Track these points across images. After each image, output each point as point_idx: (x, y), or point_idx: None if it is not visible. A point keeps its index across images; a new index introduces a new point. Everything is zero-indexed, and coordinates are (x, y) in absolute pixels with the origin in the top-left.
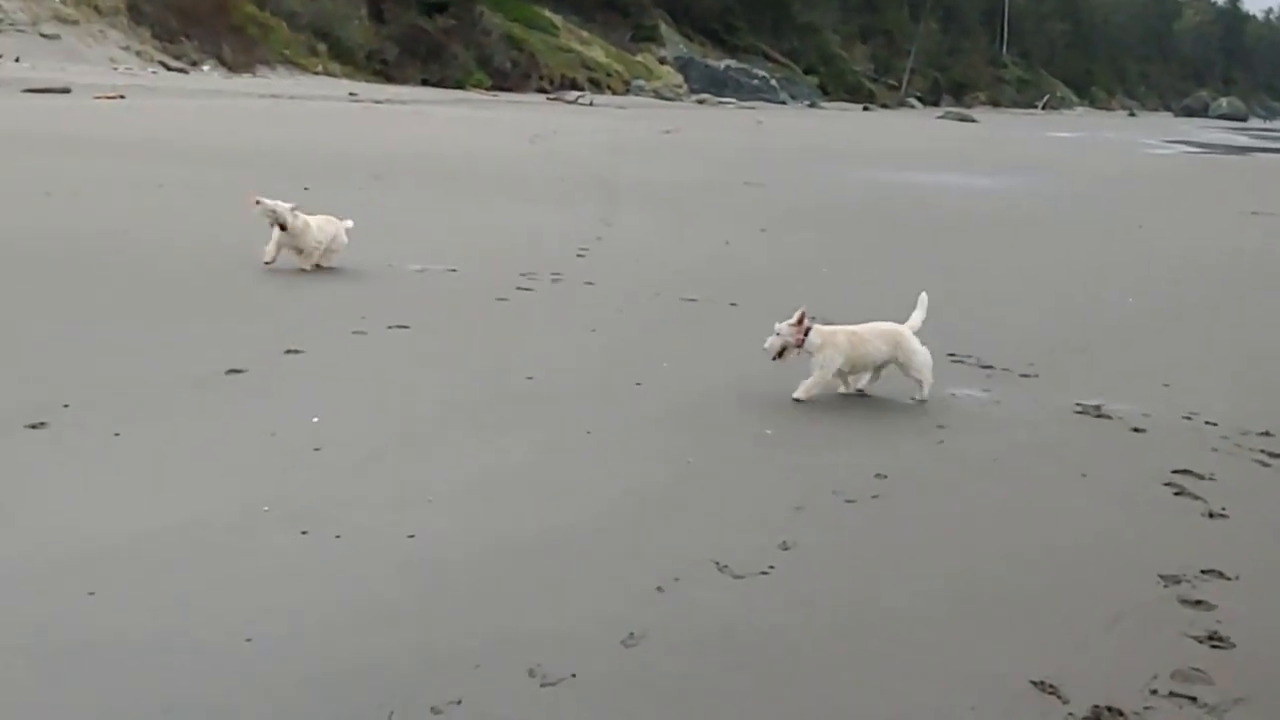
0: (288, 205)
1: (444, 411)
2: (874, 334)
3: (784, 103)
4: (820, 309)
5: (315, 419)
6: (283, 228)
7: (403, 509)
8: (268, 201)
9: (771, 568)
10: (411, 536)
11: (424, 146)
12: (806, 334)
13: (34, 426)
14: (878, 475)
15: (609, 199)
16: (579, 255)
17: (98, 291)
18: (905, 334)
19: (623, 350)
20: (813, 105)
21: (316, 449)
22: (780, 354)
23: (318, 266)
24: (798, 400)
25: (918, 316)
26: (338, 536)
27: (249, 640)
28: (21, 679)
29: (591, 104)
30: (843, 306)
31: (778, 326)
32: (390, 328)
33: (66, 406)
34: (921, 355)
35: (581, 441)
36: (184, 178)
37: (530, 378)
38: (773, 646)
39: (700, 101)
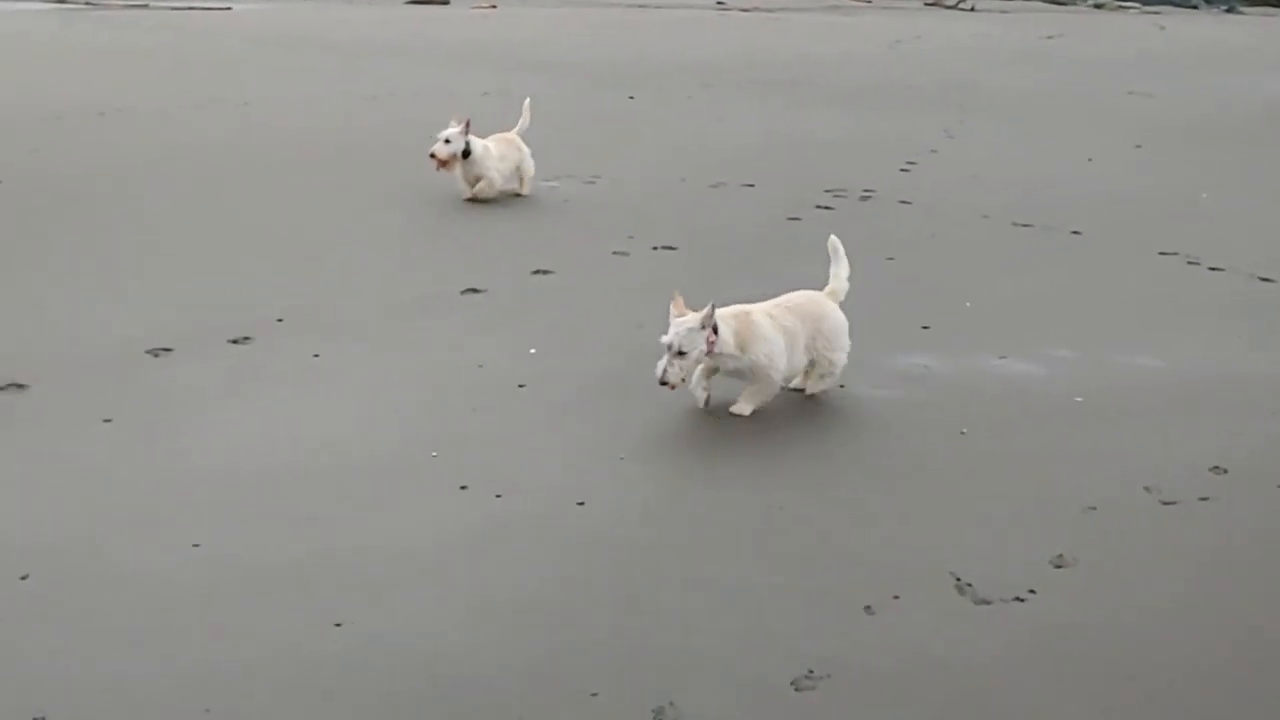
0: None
1: None
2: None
3: (1195, 7)
4: (1180, 242)
5: (533, 350)
6: (465, 154)
7: (580, 473)
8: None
9: (1032, 592)
10: (581, 504)
11: (766, 54)
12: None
13: (236, 341)
14: (1213, 469)
15: (959, 108)
16: (903, 170)
17: (375, 200)
18: (827, 304)
19: (915, 284)
20: (1230, 10)
21: (521, 385)
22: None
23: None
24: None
25: (840, 273)
26: (497, 496)
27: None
28: (208, 594)
29: (973, 9)
30: (1207, 241)
31: (673, 335)
32: (655, 248)
33: (280, 321)
34: (843, 335)
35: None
36: (508, 84)
37: None
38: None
39: (1098, 6)
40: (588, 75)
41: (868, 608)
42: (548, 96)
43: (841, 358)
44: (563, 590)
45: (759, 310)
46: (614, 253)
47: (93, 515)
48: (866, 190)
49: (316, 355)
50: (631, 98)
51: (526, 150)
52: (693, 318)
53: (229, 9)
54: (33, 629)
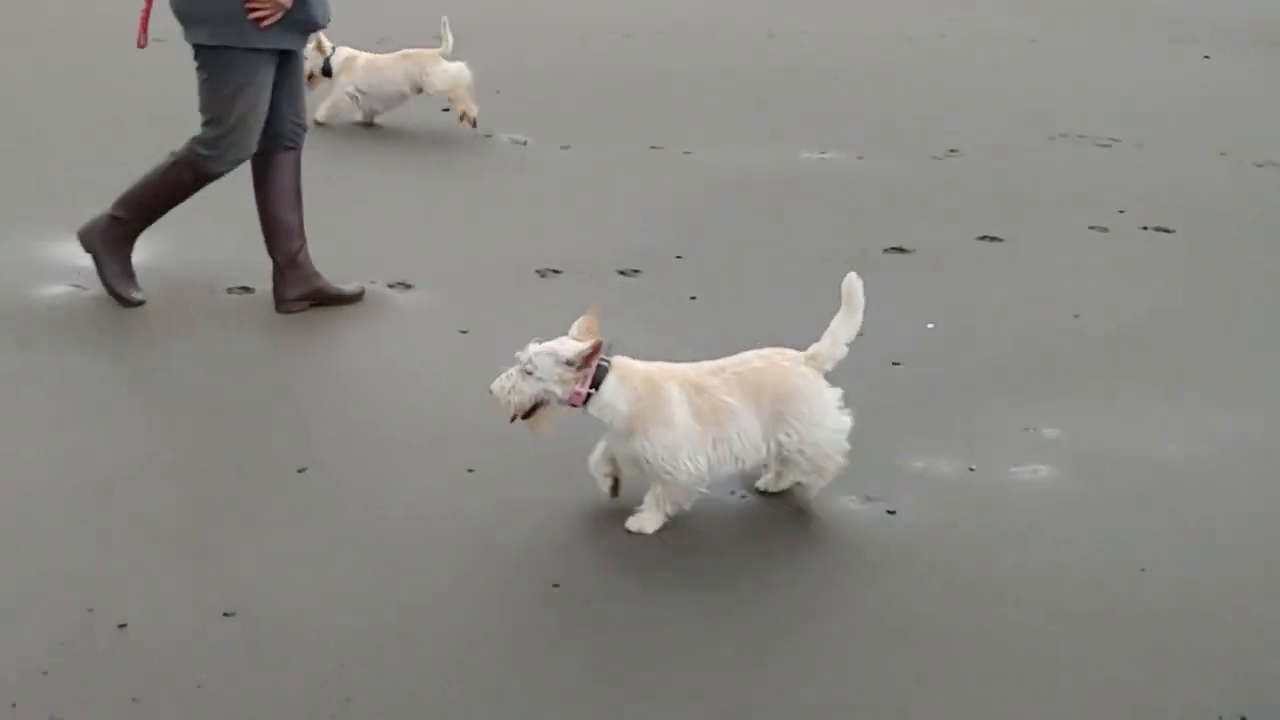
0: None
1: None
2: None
3: None
4: None
5: (930, 325)
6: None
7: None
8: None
9: None
10: (892, 513)
11: None
12: (598, 385)
13: (624, 273)
14: None
15: None
16: None
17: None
18: (795, 375)
19: None
20: None
21: (895, 363)
22: (529, 413)
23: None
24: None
25: (842, 330)
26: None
27: None
28: None
29: None
30: None
31: (530, 351)
32: (1145, 228)
33: (680, 258)
34: (825, 417)
35: None
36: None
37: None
38: None
39: None
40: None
41: None
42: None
43: (827, 449)
44: None
45: (686, 376)
46: (1090, 227)
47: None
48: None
49: (694, 297)
50: (1207, 57)
51: (441, 66)
52: (569, 345)
53: None
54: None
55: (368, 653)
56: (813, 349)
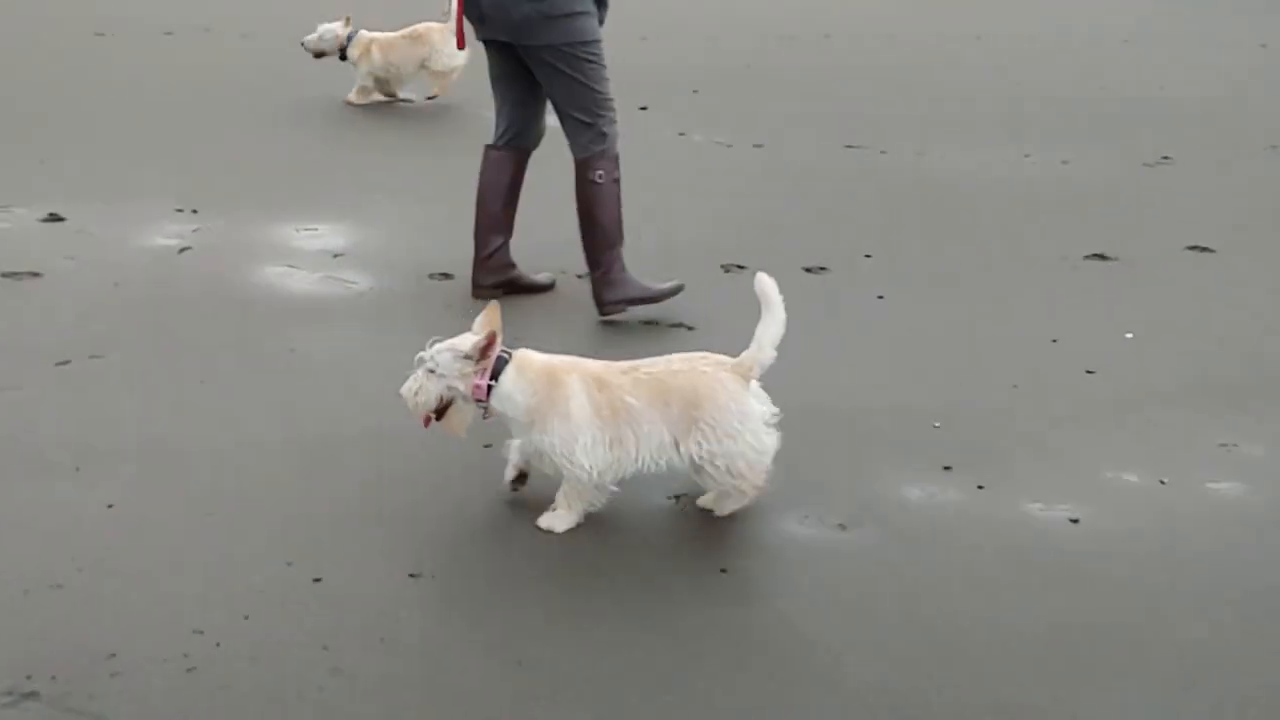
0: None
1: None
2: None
3: None
4: None
5: (1129, 335)
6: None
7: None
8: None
9: None
10: (1075, 521)
11: None
12: (497, 376)
13: (810, 270)
14: None
15: None
16: None
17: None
18: (716, 382)
19: None
20: None
21: (1089, 372)
22: (439, 414)
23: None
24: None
25: (765, 334)
26: (979, 486)
27: None
28: None
29: None
30: None
31: (431, 350)
32: None
33: (869, 256)
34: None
35: None
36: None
37: None
38: None
39: None
40: None
41: None
42: None
43: (740, 466)
44: None
45: (590, 370)
46: None
47: None
48: None
49: (881, 297)
50: None
51: (450, 48)
52: (467, 339)
53: None
54: None
55: (537, 625)
56: (739, 356)
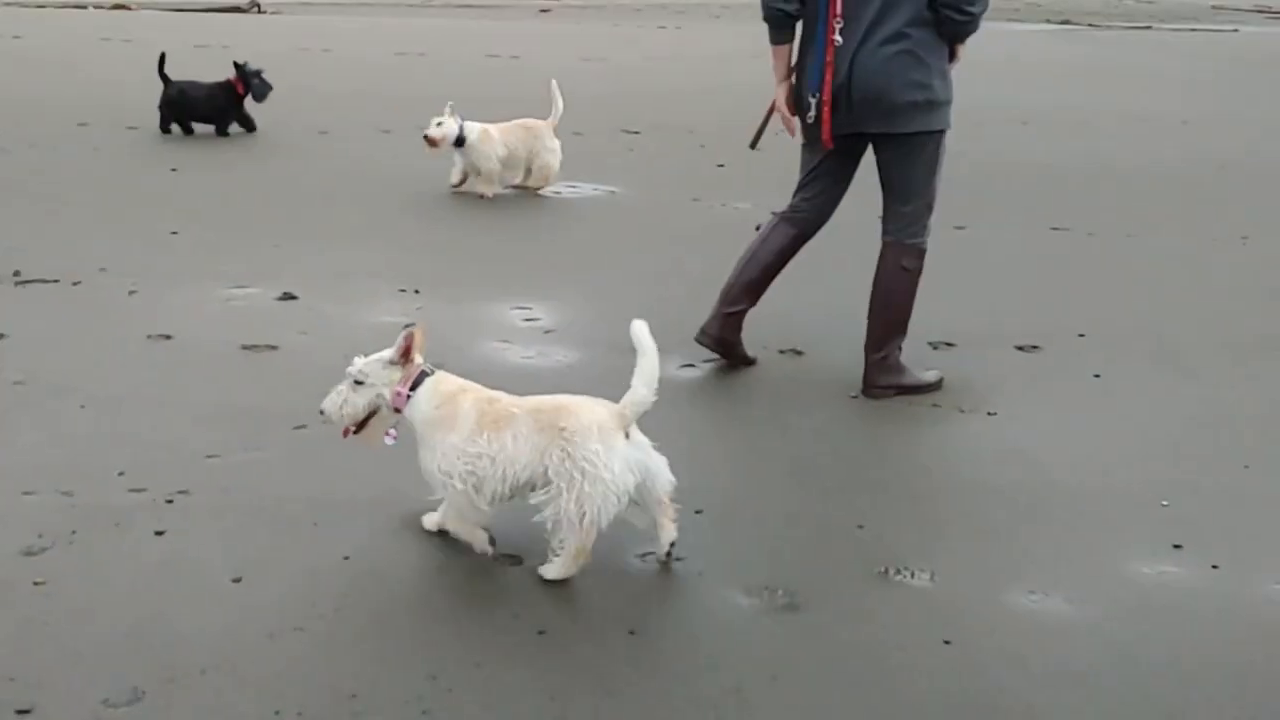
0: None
1: None
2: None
3: None
4: None
5: None
6: (459, 142)
7: None
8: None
9: None
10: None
11: None
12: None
13: (1022, 348)
14: None
15: None
16: None
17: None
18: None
19: None
20: None
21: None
22: (360, 426)
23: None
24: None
25: (640, 381)
26: (1213, 566)
27: None
28: None
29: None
30: None
31: (358, 364)
32: None
33: (1082, 336)
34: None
35: None
36: None
37: None
38: None
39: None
40: None
41: None
42: None
43: (582, 502)
44: None
45: (485, 393)
46: None
47: None
48: None
49: (1098, 375)
50: None
51: (556, 143)
52: (391, 351)
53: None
54: None
55: (752, 684)
56: (622, 401)
